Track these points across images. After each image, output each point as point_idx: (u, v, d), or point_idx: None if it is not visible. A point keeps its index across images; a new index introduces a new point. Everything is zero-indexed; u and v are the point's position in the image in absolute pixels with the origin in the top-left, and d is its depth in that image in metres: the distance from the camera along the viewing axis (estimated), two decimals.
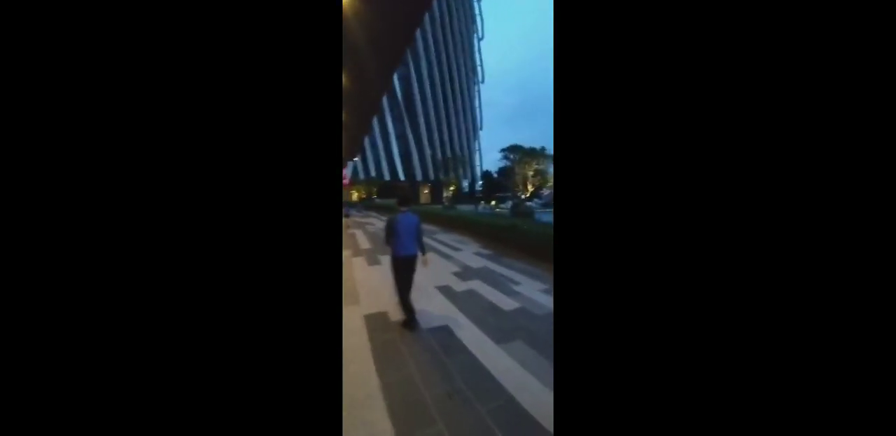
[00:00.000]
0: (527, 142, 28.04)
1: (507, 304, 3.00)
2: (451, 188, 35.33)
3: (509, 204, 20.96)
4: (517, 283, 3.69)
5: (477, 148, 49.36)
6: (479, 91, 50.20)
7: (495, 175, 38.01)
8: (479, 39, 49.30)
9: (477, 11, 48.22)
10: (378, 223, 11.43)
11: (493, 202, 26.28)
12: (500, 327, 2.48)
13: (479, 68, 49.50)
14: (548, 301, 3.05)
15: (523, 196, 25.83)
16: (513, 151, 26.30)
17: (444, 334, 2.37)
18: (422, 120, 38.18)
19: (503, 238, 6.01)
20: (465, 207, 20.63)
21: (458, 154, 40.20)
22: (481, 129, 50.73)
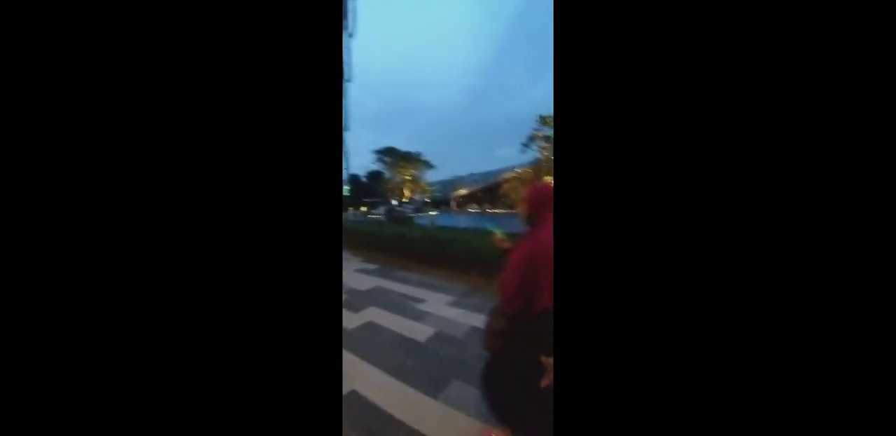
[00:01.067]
0: (396, 147, 27.98)
1: (420, 332, 2.48)
2: None
3: (382, 210, 20.34)
4: (421, 300, 3.23)
5: (344, 149, 46.18)
6: (345, 89, 47.38)
7: (364, 179, 36.45)
8: (350, 36, 46.75)
9: (349, 5, 45.66)
10: None
11: (364, 208, 24.92)
12: (424, 369, 1.95)
13: (346, 65, 46.80)
14: (462, 316, 2.72)
15: (396, 202, 25.60)
16: (388, 154, 25.53)
17: (357, 406, 1.63)
18: None
19: (390, 248, 5.44)
20: None
21: None
22: (347, 129, 47.86)
